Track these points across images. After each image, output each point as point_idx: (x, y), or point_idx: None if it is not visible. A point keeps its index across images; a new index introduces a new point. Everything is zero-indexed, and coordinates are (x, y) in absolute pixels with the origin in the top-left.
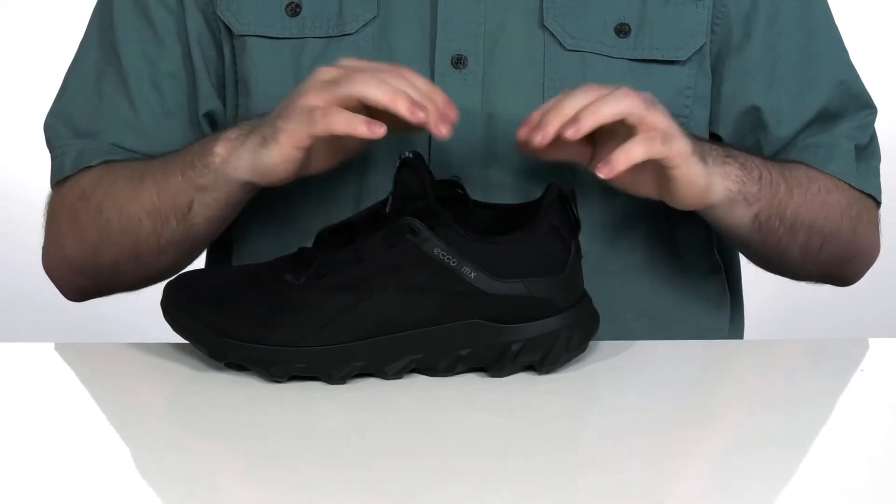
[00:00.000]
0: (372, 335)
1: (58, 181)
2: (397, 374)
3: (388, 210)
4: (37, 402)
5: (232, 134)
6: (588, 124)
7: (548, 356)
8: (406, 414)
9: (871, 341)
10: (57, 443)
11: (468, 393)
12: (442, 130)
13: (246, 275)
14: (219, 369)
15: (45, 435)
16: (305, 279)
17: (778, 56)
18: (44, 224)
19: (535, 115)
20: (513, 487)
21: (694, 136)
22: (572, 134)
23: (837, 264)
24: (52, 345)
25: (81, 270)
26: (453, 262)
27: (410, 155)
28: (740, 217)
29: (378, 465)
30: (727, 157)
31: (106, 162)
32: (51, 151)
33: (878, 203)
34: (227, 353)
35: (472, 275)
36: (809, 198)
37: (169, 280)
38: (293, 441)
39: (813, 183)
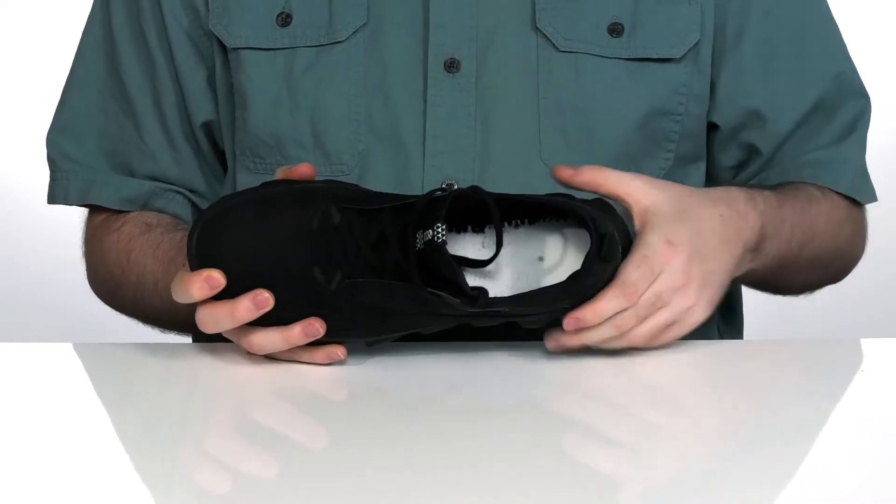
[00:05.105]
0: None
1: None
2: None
3: (418, 246)
4: (58, 402)
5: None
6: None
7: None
8: (405, 416)
9: (870, 341)
10: (76, 442)
11: (466, 394)
12: (339, 354)
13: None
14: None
15: (67, 433)
16: (336, 286)
17: (773, 49)
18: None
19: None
20: (512, 488)
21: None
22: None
23: (830, 277)
24: (70, 345)
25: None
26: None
27: (442, 235)
28: (745, 277)
29: (382, 471)
30: (745, 253)
31: (119, 214)
32: (52, 169)
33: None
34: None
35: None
36: (815, 234)
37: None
38: (300, 443)
39: (815, 208)
